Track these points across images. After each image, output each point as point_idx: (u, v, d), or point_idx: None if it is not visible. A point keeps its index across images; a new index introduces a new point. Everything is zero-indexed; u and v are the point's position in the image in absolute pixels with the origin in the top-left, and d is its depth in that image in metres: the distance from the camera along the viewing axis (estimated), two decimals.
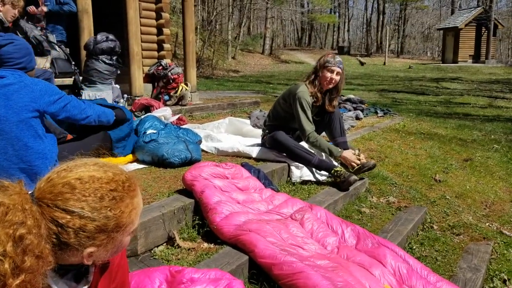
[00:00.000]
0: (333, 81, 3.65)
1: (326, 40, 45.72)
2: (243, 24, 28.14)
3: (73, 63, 5.54)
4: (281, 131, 3.73)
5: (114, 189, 1.08)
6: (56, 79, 5.07)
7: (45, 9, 5.66)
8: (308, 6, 33.26)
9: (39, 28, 5.48)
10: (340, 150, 3.64)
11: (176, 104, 6.41)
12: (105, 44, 5.04)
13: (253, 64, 26.19)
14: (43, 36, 5.34)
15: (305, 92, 3.62)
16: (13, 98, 2.59)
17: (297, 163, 3.61)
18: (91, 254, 1.07)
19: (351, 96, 7.40)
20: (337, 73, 3.63)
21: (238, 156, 3.83)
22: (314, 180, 3.60)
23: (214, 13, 22.96)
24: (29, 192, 1.07)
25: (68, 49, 5.67)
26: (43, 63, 5.11)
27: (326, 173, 3.64)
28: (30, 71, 2.83)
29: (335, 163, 3.68)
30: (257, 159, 3.72)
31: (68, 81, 5.41)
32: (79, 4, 5.87)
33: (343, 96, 7.58)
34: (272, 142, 3.77)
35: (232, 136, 4.43)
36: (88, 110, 2.94)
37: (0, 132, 2.59)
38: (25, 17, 5.48)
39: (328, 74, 3.61)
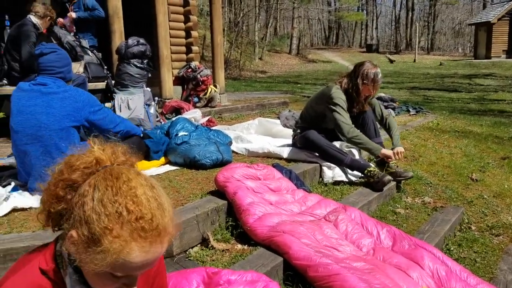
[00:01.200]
0: (373, 95, 3.65)
1: (354, 38, 45.19)
2: (269, 24, 28.14)
3: (105, 67, 5.65)
4: (313, 130, 3.70)
5: (142, 227, 0.96)
6: (89, 83, 5.18)
7: (74, 15, 5.80)
8: (335, 4, 33.00)
9: (72, 34, 5.63)
10: (380, 147, 3.58)
11: (205, 106, 6.46)
12: (136, 48, 5.12)
13: (280, 64, 26.14)
14: (76, 42, 5.48)
15: (339, 92, 3.58)
16: (56, 106, 2.65)
17: (329, 163, 3.57)
18: (71, 239, 0.99)
19: (382, 94, 7.28)
20: (377, 87, 3.60)
21: (268, 157, 3.82)
22: (347, 180, 3.55)
23: (241, 15, 23.04)
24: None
25: (100, 54, 5.80)
26: (76, 68, 5.23)
27: (359, 173, 3.58)
28: (68, 81, 2.91)
29: (369, 163, 3.62)
30: (288, 160, 3.70)
31: (101, 85, 5.52)
32: (110, 9, 5.99)
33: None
34: (304, 142, 3.74)
35: (262, 137, 4.43)
36: (121, 125, 3.03)
37: (39, 138, 2.67)
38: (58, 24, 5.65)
39: (372, 90, 3.57)
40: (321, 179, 3.56)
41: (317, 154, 3.68)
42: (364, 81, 3.53)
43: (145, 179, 1.04)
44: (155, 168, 3.52)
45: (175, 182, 3.08)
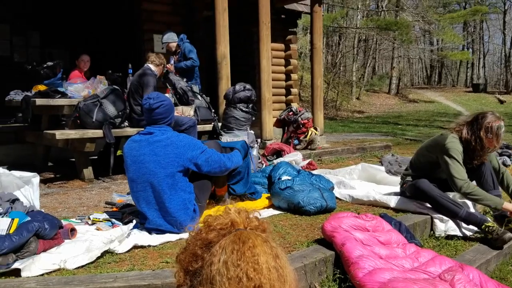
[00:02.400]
0: (496, 148, 3.41)
1: (459, 77, 42.86)
2: (368, 64, 27.87)
3: (213, 110, 5.99)
4: (425, 179, 3.51)
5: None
6: (198, 126, 5.52)
7: (172, 68, 6.27)
8: (438, 43, 31.79)
9: (184, 80, 6.07)
10: (502, 200, 3.30)
11: (305, 148, 6.50)
12: (242, 93, 5.37)
13: (379, 104, 25.58)
14: (188, 87, 5.89)
15: (456, 142, 3.36)
16: (160, 154, 2.84)
17: (441, 216, 3.36)
18: None
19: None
20: (499, 141, 3.35)
21: (374, 205, 3.70)
22: (461, 235, 3.30)
23: (339, 56, 23.17)
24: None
25: (208, 98, 6.17)
26: (188, 111, 5.60)
27: (474, 228, 3.32)
28: (172, 124, 3.10)
29: (486, 218, 3.34)
30: (396, 210, 3.56)
31: (208, 127, 5.84)
32: (218, 56, 6.40)
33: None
34: (414, 191, 3.56)
35: (365, 183, 4.32)
36: (227, 162, 3.09)
37: (150, 185, 2.84)
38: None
39: (496, 144, 3.33)
40: (432, 232, 3.36)
41: (428, 205, 3.49)
42: (488, 135, 3.29)
43: (271, 247, 1.07)
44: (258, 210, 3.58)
45: (280, 227, 3.10)
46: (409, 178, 3.68)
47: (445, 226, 3.30)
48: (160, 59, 5.40)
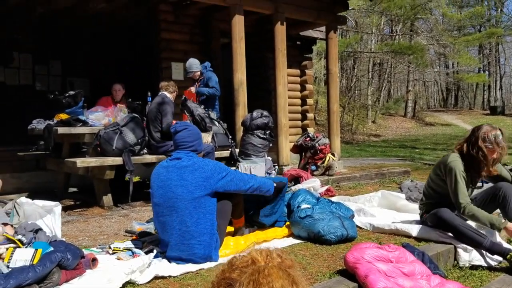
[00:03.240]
0: (502, 157, 3.39)
1: (475, 100, 42.48)
2: (383, 88, 27.86)
3: (230, 137, 6.03)
4: (445, 208, 3.46)
5: None
6: (215, 152, 5.55)
7: (193, 90, 6.37)
8: (453, 66, 31.68)
9: (202, 107, 6.15)
10: (503, 220, 3.25)
11: (323, 174, 6.47)
12: (259, 120, 5.41)
13: (395, 127, 25.43)
14: (206, 114, 5.96)
15: (457, 161, 3.38)
16: (188, 178, 2.90)
17: (465, 245, 3.29)
18: None
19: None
20: (503, 148, 3.34)
21: (395, 234, 3.64)
22: (486, 265, 3.22)
23: (354, 80, 23.23)
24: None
25: (225, 124, 6.22)
26: (206, 137, 5.65)
27: (500, 258, 3.24)
28: (199, 153, 3.18)
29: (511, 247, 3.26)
30: (417, 239, 3.49)
31: (226, 153, 5.88)
32: (235, 83, 6.48)
33: (507, 165, 6.82)
34: (435, 220, 3.50)
35: (386, 211, 4.27)
36: (251, 180, 3.18)
37: (175, 209, 2.88)
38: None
39: (501, 152, 3.33)
40: (456, 262, 3.28)
41: (450, 234, 3.42)
42: (487, 144, 3.30)
43: (288, 274, 1.09)
44: (277, 240, 3.56)
45: (301, 257, 3.07)
46: (426, 208, 3.64)
47: (469, 256, 3.22)
48: (174, 87, 5.63)
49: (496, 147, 3.31)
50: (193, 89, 6.40)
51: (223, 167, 3.09)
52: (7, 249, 2.51)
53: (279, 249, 1.23)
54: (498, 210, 3.64)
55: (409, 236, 3.56)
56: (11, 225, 3.00)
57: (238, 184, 3.09)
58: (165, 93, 5.44)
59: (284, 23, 7.00)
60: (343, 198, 5.02)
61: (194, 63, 6.50)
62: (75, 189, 6.16)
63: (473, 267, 3.22)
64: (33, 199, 3.52)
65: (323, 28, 8.47)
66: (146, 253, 2.94)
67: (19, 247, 2.58)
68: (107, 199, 4.95)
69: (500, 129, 3.41)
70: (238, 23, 6.42)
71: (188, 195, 2.88)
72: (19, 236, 2.67)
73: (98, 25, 8.75)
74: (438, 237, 3.42)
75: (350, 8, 8.49)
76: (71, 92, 5.49)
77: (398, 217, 4.06)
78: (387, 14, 20.85)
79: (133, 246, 3.09)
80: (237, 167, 5.49)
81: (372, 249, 2.71)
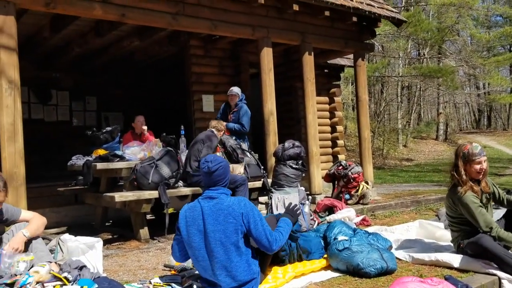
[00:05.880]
0: (484, 170, 3.53)
1: (509, 120, 41.30)
2: (413, 111, 27.51)
3: (262, 167, 6.06)
4: (486, 236, 3.37)
5: None
6: (248, 183, 5.59)
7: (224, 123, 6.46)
8: (484, 87, 31.07)
9: (234, 138, 6.23)
10: None
11: (357, 203, 6.40)
12: (291, 150, 5.43)
13: (427, 151, 24.94)
14: (237, 145, 6.03)
15: (466, 191, 3.47)
16: (222, 222, 2.83)
17: (509, 276, 3.18)
18: None
19: None
20: (484, 161, 3.53)
21: (436, 266, 3.55)
22: None
23: (383, 104, 23.06)
24: None
25: (257, 155, 6.27)
26: (238, 169, 5.71)
27: None
28: (228, 184, 3.09)
29: None
30: (460, 270, 3.39)
31: (258, 183, 5.90)
32: (265, 113, 6.56)
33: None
34: (476, 249, 3.41)
35: (425, 241, 4.17)
36: (272, 243, 2.94)
37: (215, 254, 2.81)
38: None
39: (478, 167, 3.50)
40: None
41: (494, 264, 3.31)
42: (470, 160, 3.50)
43: None
44: (315, 273, 3.52)
45: None
46: (457, 236, 3.62)
47: None
48: (222, 126, 5.84)
49: (472, 161, 3.50)
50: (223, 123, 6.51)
51: (256, 212, 2.94)
52: (54, 287, 2.59)
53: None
54: None
55: (450, 267, 3.46)
56: (56, 262, 3.09)
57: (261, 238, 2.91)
58: (213, 130, 5.63)
59: (312, 52, 7.09)
60: (379, 228, 4.94)
61: (236, 88, 6.71)
62: (111, 222, 6.30)
63: None
64: (72, 233, 3.62)
65: (351, 56, 8.52)
66: None
67: (65, 284, 2.66)
68: (144, 232, 5.03)
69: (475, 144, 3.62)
70: (267, 55, 6.55)
71: (227, 240, 2.81)
72: (65, 274, 2.74)
73: (131, 61, 9.09)
74: (481, 267, 3.32)
75: (376, 34, 8.51)
76: (108, 128, 5.68)
77: (439, 248, 3.96)
78: (414, 38, 20.76)
79: (172, 281, 3.12)
80: (270, 198, 5.49)
81: (415, 283, 2.66)
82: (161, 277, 3.22)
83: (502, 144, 27.46)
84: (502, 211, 4.38)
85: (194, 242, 2.89)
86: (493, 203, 3.81)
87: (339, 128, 10.36)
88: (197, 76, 7.99)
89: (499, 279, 3.22)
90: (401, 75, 22.91)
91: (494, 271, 3.27)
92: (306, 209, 5.39)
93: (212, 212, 2.86)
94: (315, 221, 5.41)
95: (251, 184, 5.78)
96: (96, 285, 2.62)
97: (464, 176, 3.52)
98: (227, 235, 2.81)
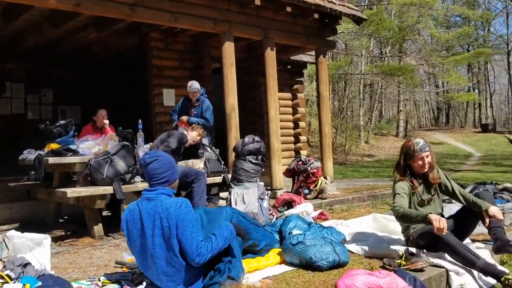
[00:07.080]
0: (427, 165, 3.66)
1: (467, 118, 42.94)
2: (374, 108, 28.12)
3: (223, 162, 6.03)
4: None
5: None
6: (208, 178, 5.55)
7: (185, 119, 6.36)
8: (443, 86, 32.12)
9: None
10: (430, 212, 3.38)
11: (316, 197, 6.48)
12: (251, 145, 5.44)
13: (387, 147, 25.58)
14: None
15: (397, 183, 3.68)
16: (159, 226, 2.65)
17: (457, 269, 3.28)
18: None
19: (508, 184, 6.66)
20: (427, 156, 3.65)
21: (387, 258, 3.62)
22: None
23: (346, 101, 23.43)
24: None
25: (218, 150, 6.24)
26: (198, 164, 5.66)
27: (492, 281, 3.23)
28: (173, 182, 2.88)
29: (506, 270, 3.26)
30: None
31: (218, 179, 5.87)
32: (227, 107, 6.52)
33: (498, 184, 6.89)
34: (429, 240, 3.47)
35: (378, 235, 4.26)
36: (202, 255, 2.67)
37: (153, 259, 2.70)
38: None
39: (420, 162, 3.63)
40: (448, 286, 3.27)
41: (446, 256, 3.41)
42: (412, 156, 3.64)
43: None
44: (270, 267, 3.53)
45: (293, 285, 3.05)
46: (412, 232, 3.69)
47: (461, 279, 3.22)
48: (202, 131, 5.77)
49: (416, 156, 3.63)
50: (185, 118, 6.41)
51: (193, 222, 2.69)
52: None
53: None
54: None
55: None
56: (0, 260, 2.97)
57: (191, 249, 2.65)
58: (186, 132, 5.57)
59: (274, 48, 7.10)
60: (336, 222, 5.02)
61: (196, 83, 6.55)
62: (66, 218, 6.12)
63: None
64: (24, 229, 3.50)
65: (314, 53, 8.60)
66: (136, 285, 2.90)
67: (7, 282, 2.56)
68: (98, 228, 4.90)
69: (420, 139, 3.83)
70: (229, 49, 6.51)
71: (166, 245, 2.65)
72: (7, 271, 2.64)
73: (89, 53, 8.84)
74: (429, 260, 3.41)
75: (339, 31, 8.62)
76: (62, 122, 5.51)
77: (390, 240, 4.05)
78: (376, 36, 21.18)
79: (123, 278, 3.06)
80: (230, 193, 5.48)
81: (363, 275, 2.71)
82: (111, 274, 3.15)
83: (459, 141, 28.51)
84: (455, 206, 4.55)
85: (136, 246, 2.76)
86: (446, 197, 3.99)
87: (302, 124, 10.44)
88: (157, 69, 7.84)
89: (447, 271, 3.32)
90: (363, 73, 23.36)
91: (442, 263, 3.37)
92: (265, 204, 5.42)
93: (149, 216, 2.67)
94: (273, 215, 5.44)
95: (211, 180, 5.75)
96: (40, 283, 2.53)
97: (402, 172, 3.70)
98: (165, 239, 2.64)
